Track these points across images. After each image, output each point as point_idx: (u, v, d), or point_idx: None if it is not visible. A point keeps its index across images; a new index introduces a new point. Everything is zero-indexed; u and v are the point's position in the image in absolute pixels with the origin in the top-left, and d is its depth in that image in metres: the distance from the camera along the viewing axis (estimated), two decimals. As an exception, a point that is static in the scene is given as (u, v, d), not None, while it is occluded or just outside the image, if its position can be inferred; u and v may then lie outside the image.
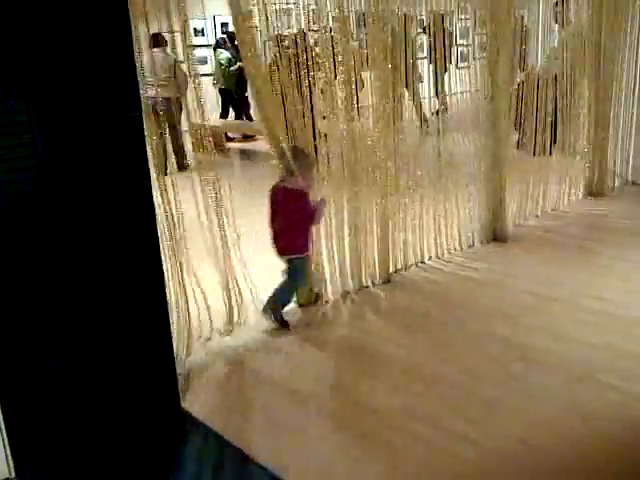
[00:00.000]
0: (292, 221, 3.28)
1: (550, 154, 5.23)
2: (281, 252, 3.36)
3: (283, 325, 3.41)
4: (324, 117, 3.62)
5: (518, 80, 5.12)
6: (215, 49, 10.18)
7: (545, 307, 3.54)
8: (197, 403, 2.75)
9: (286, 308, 3.48)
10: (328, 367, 3.09)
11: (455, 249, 4.47)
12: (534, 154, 5.12)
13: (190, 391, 2.83)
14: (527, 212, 5.06)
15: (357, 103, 3.60)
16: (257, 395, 2.84)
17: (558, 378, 2.82)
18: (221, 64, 9.82)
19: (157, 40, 7.23)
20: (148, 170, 2.29)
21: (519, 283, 3.89)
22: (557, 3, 5.23)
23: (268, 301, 3.40)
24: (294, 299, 3.61)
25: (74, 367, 2.23)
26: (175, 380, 2.64)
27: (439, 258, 4.35)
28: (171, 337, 2.56)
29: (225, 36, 10.34)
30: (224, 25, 11.11)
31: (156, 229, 2.38)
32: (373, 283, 3.93)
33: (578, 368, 2.88)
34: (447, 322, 3.46)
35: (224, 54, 9.85)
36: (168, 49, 7.48)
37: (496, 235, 4.61)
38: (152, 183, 2.34)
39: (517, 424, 2.52)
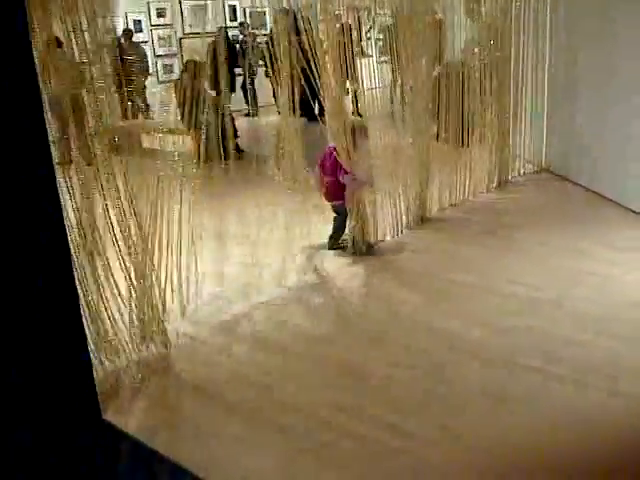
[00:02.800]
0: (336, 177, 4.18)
1: (463, 145, 5.37)
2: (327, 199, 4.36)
3: (344, 249, 4.31)
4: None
5: (435, 73, 5.22)
6: None
7: (465, 293, 3.61)
8: (120, 413, 2.63)
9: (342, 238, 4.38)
10: (251, 366, 3.01)
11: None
12: (451, 144, 5.24)
13: (111, 401, 2.70)
14: (446, 201, 5.19)
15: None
16: (181, 402, 2.75)
17: (481, 363, 2.87)
18: None
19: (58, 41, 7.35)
20: (52, 166, 2.16)
21: (439, 271, 3.96)
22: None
23: (330, 240, 4.38)
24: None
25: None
26: (94, 389, 2.50)
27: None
28: (86, 343, 2.42)
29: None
30: (137, 23, 10.85)
31: (65, 231, 2.25)
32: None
33: (500, 353, 2.94)
34: (369, 311, 3.47)
35: None
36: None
37: (417, 222, 4.75)
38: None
39: (446, 413, 2.54)
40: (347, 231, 4.34)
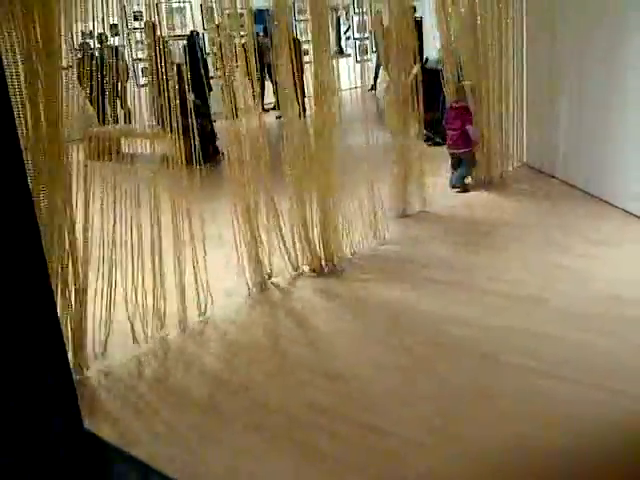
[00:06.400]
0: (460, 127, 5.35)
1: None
2: (456, 147, 5.45)
3: (466, 191, 5.45)
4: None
5: (414, 71, 5.20)
6: None
7: (445, 291, 3.59)
8: (101, 421, 2.58)
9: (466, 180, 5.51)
10: (229, 369, 2.98)
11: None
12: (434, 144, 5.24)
13: (92, 409, 2.65)
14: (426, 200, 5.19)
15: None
16: (161, 406, 2.71)
17: (462, 362, 2.85)
18: None
19: None
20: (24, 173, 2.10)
21: (419, 268, 3.95)
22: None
23: (455, 182, 5.45)
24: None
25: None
26: (74, 398, 2.44)
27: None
28: (65, 351, 2.36)
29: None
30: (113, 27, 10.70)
31: (39, 234, 2.18)
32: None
33: (481, 351, 2.92)
34: (348, 312, 3.45)
35: None
36: None
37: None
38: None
39: (427, 411, 2.52)
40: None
